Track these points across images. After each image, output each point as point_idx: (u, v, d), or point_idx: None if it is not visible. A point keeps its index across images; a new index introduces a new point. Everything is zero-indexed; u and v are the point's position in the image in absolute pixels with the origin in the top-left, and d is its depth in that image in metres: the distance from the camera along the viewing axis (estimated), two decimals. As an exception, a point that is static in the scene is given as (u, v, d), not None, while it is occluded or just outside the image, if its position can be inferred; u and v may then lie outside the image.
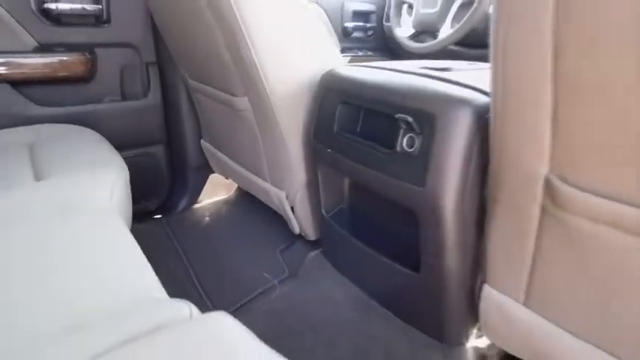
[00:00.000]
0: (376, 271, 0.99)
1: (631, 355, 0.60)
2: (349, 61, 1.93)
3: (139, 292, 0.60)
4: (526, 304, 0.72)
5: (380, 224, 1.01)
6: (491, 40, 0.57)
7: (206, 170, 1.66)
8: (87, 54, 1.36)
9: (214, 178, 1.72)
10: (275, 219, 1.34)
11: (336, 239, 1.12)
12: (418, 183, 0.76)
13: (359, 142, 0.89)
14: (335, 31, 1.94)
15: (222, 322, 0.50)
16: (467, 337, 0.90)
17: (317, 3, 1.85)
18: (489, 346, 0.91)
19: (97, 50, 1.39)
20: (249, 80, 1.00)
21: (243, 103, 1.09)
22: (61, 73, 1.34)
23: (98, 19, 1.38)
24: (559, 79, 0.52)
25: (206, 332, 0.48)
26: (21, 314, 0.53)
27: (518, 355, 0.79)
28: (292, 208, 1.17)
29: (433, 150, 0.73)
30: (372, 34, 2.06)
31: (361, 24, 2.02)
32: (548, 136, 0.57)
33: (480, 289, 0.79)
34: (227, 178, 1.61)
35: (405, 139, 0.78)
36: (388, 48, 2.06)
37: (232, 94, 1.12)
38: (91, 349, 0.46)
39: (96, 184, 0.88)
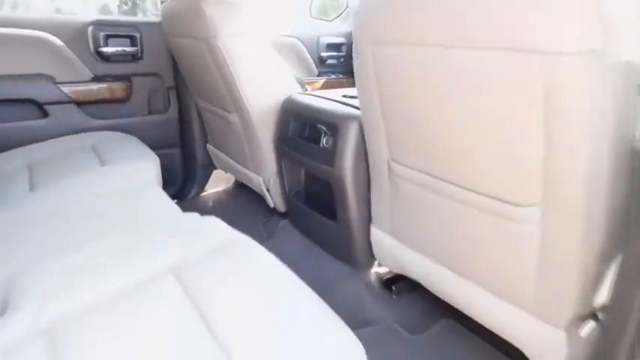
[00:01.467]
0: (318, 226, 1.51)
1: (449, 260, 1.07)
2: (324, 82, 2.48)
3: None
4: (391, 235, 1.24)
5: (319, 195, 1.53)
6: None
7: (211, 167, 2.20)
8: (126, 82, 1.92)
9: (217, 174, 2.27)
10: (260, 202, 1.87)
11: (296, 210, 1.65)
12: (331, 165, 1.29)
13: (304, 143, 1.43)
14: (313, 59, 2.49)
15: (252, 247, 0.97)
16: (371, 264, 1.42)
17: (298, 39, 2.40)
18: (386, 270, 1.42)
19: (133, 79, 1.95)
20: (236, 102, 1.54)
21: (233, 117, 1.64)
22: (109, 96, 1.90)
23: (134, 57, 1.94)
24: (383, 106, 1.04)
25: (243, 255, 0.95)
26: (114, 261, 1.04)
27: (394, 270, 1.31)
28: (268, 190, 1.70)
29: (338, 145, 1.26)
30: (342, 61, 2.60)
31: (334, 53, 2.56)
32: (385, 138, 1.09)
33: (370, 229, 1.31)
34: (226, 172, 2.15)
35: (324, 140, 1.31)
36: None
37: (227, 111, 1.66)
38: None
39: (144, 169, 1.43)
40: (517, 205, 0.83)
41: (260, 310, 0.73)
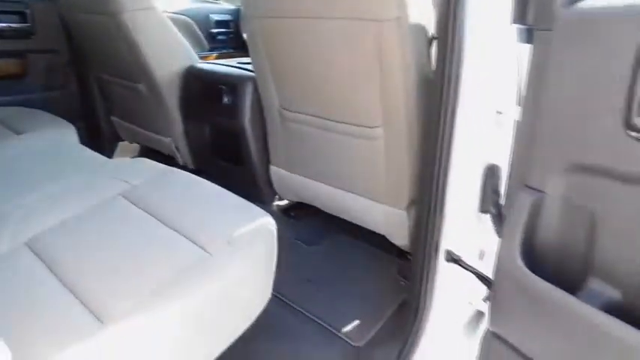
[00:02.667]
0: (226, 174, 1.80)
1: (329, 179, 1.45)
2: (216, 57, 2.71)
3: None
4: (287, 169, 1.59)
5: (224, 147, 1.81)
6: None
7: (115, 139, 2.33)
8: (21, 58, 1.97)
9: (122, 146, 2.40)
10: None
11: (205, 163, 1.92)
12: (234, 117, 1.59)
13: (208, 103, 1.70)
14: (204, 35, 2.70)
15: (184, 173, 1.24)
16: (274, 199, 1.76)
17: (187, 16, 2.59)
18: (286, 202, 1.78)
19: (29, 55, 2.00)
20: (143, 72, 1.74)
21: (140, 86, 1.83)
22: (2, 73, 1.94)
23: (28, 33, 1.99)
24: (272, 67, 1.36)
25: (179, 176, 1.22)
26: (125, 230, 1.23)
27: (292, 199, 1.67)
28: (177, 148, 1.94)
29: (238, 101, 1.56)
30: (232, 37, 2.85)
31: (223, 30, 2.80)
32: (275, 92, 1.42)
33: (269, 168, 1.64)
34: (131, 143, 2.30)
35: (226, 98, 1.60)
36: (244, 46, 2.86)
37: (133, 82, 1.85)
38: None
39: (64, 135, 1.58)
40: (370, 127, 1.22)
41: (201, 204, 1.03)
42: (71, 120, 1.93)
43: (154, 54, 1.69)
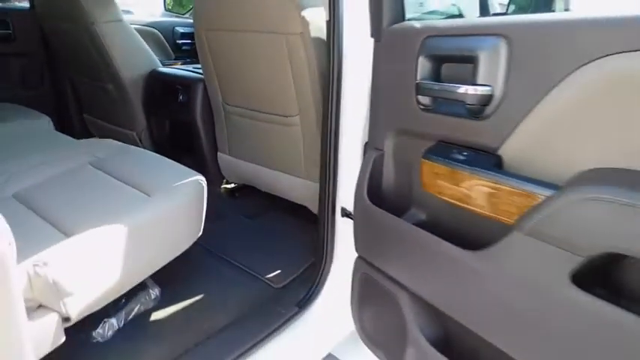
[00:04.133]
0: (181, 161, 2.11)
1: (262, 160, 1.78)
2: (181, 64, 3.02)
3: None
4: (231, 155, 1.91)
5: (180, 138, 2.12)
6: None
7: (86, 135, 2.61)
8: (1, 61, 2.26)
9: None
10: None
11: (164, 153, 2.22)
12: (188, 113, 1.91)
13: (169, 100, 2.01)
14: (170, 45, 3.02)
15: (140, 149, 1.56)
16: (221, 182, 2.07)
17: (155, 28, 2.91)
18: (232, 185, 2.10)
19: (9, 58, 2.28)
20: (112, 75, 2.05)
21: (109, 87, 2.13)
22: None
23: (7, 39, 2.27)
24: (216, 71, 1.70)
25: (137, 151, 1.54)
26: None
27: (236, 181, 1.98)
28: (140, 141, 2.24)
29: (189, 98, 1.88)
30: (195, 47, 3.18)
31: (187, 41, 3.12)
32: (219, 90, 1.75)
33: (217, 155, 1.96)
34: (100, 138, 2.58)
35: (181, 96, 1.93)
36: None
37: (103, 82, 2.15)
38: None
39: (39, 124, 1.87)
40: (289, 116, 1.56)
41: (149, 168, 1.34)
42: (47, 112, 2.18)
43: (122, 59, 2.00)
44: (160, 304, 1.32)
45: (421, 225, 0.97)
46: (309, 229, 1.82)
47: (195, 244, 1.32)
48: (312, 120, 1.52)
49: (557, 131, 0.71)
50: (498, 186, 0.77)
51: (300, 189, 1.68)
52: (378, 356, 1.18)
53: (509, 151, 0.79)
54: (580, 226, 0.64)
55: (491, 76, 0.77)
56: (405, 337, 1.03)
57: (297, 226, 1.84)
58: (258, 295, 1.45)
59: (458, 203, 0.86)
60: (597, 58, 0.64)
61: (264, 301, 1.42)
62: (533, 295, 0.71)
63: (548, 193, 0.69)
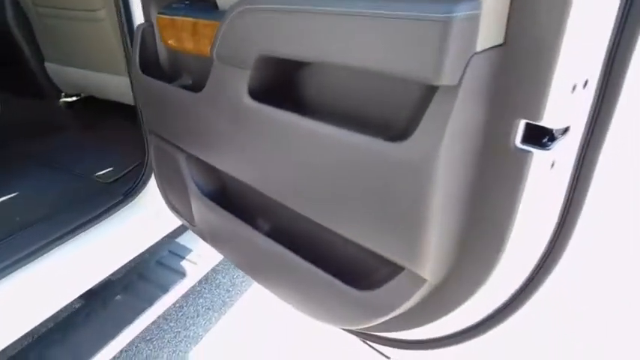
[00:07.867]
0: (4, 74, 1.96)
1: (100, 67, 1.70)
2: None
3: None
4: (60, 64, 1.82)
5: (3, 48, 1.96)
6: None
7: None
8: None
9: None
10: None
11: None
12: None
13: None
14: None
15: None
16: (61, 96, 1.99)
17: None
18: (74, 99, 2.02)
19: None
20: None
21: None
22: None
23: None
24: None
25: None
26: None
27: (74, 92, 1.91)
28: None
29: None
30: None
31: None
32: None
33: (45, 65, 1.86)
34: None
35: None
36: None
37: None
38: None
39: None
40: (95, 10, 1.51)
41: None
42: None
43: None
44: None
45: (189, 88, 1.02)
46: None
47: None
48: (114, 13, 1.47)
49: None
50: (207, 23, 0.83)
51: (121, 87, 1.66)
52: (182, 222, 1.27)
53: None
54: (240, 40, 0.72)
55: None
56: (188, 195, 1.12)
57: (132, 129, 1.85)
58: (88, 191, 1.48)
59: (188, 50, 0.92)
60: None
61: (94, 193, 1.46)
62: (228, 112, 0.81)
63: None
